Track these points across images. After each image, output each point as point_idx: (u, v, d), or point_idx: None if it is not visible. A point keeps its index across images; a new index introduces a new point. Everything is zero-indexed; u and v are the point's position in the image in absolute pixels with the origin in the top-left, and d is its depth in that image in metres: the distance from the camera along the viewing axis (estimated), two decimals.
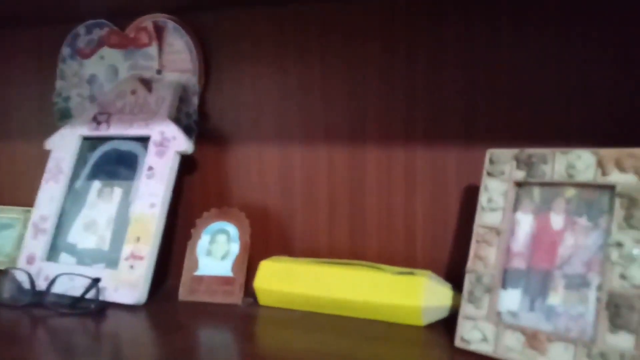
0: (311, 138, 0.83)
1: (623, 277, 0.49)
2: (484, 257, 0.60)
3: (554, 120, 0.71)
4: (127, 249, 0.78)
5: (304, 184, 0.84)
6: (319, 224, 0.83)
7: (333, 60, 0.82)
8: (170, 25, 0.88)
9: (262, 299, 0.76)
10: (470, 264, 0.61)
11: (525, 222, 0.60)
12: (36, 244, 0.85)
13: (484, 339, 0.57)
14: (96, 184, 0.87)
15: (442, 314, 0.68)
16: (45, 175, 0.89)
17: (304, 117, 0.84)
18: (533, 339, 0.54)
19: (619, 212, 0.51)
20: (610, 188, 0.53)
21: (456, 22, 0.75)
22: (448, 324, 0.67)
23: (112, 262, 0.80)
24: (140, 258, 0.77)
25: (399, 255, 0.79)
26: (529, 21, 0.71)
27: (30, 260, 0.84)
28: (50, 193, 0.87)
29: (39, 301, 0.76)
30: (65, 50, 0.96)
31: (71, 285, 0.79)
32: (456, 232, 0.76)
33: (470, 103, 0.75)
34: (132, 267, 0.77)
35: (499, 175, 0.61)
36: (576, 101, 0.70)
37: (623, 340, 0.48)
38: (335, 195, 0.82)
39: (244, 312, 0.74)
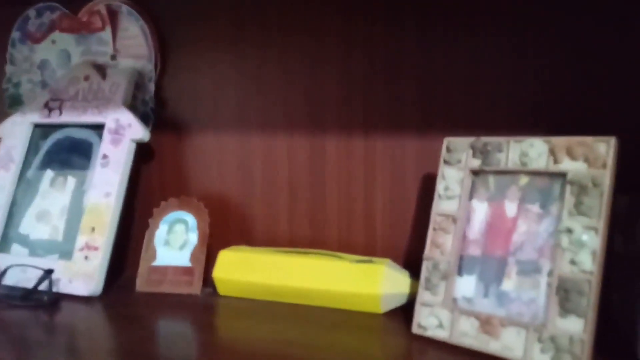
0: (270, 126, 0.83)
1: (573, 262, 0.51)
2: (440, 244, 0.61)
3: (510, 110, 0.72)
4: (81, 240, 0.76)
5: (263, 173, 0.83)
6: (279, 213, 0.83)
7: (292, 47, 0.81)
8: (125, 9, 0.85)
9: (222, 289, 0.76)
10: (427, 251, 0.62)
11: (480, 210, 0.60)
12: None
13: (440, 325, 0.58)
14: (49, 173, 0.84)
15: (401, 301, 0.69)
16: None
17: (263, 104, 0.83)
18: (487, 324, 0.55)
19: (569, 199, 0.52)
20: (562, 176, 0.54)
21: (414, 12, 0.75)
22: (407, 311, 0.68)
23: (66, 253, 0.78)
24: (95, 249, 0.75)
25: (359, 244, 0.80)
26: (485, 13, 0.72)
27: None
28: (0, 182, 0.84)
29: None
30: (15, 34, 0.92)
31: (24, 277, 0.77)
32: (415, 220, 0.77)
33: (429, 92, 0.75)
34: (86, 257, 0.75)
35: (456, 164, 0.62)
36: (531, 91, 0.71)
37: (572, 324, 0.49)
38: (295, 184, 0.82)
39: (202, 303, 0.73)
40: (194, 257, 0.77)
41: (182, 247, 0.78)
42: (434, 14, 0.74)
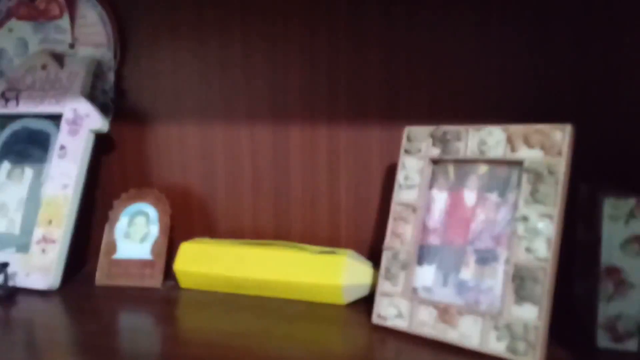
0: (233, 116, 0.81)
1: (528, 250, 0.50)
2: (400, 234, 0.61)
3: (472, 98, 0.71)
4: (38, 233, 0.75)
5: (226, 163, 0.82)
6: (243, 205, 0.82)
7: (254, 36, 0.79)
8: None
9: (183, 282, 0.74)
10: (387, 241, 0.62)
11: (440, 199, 0.60)
12: None
13: (399, 315, 0.58)
14: (5, 165, 0.82)
15: (363, 292, 0.69)
16: None
17: (225, 94, 0.81)
18: (445, 313, 0.54)
19: (525, 187, 0.52)
20: (519, 164, 0.54)
21: (377, 2, 0.74)
22: (370, 302, 0.67)
23: (22, 246, 0.76)
24: (53, 242, 0.74)
25: (323, 235, 0.79)
26: (447, 4, 0.71)
27: None
28: None
29: None
30: None
31: None
32: (379, 211, 0.76)
33: (392, 81, 0.74)
34: (44, 251, 0.74)
35: (416, 153, 0.62)
36: (493, 80, 0.70)
37: (527, 312, 0.49)
38: (258, 175, 0.81)
39: (164, 296, 0.72)
40: (155, 249, 0.76)
41: (143, 239, 0.77)
42: (398, 3, 0.73)
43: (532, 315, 0.49)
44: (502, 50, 0.70)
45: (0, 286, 0.71)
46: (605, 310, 0.52)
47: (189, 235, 0.83)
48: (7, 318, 0.63)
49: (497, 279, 0.53)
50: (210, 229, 0.83)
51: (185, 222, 0.84)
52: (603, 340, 0.52)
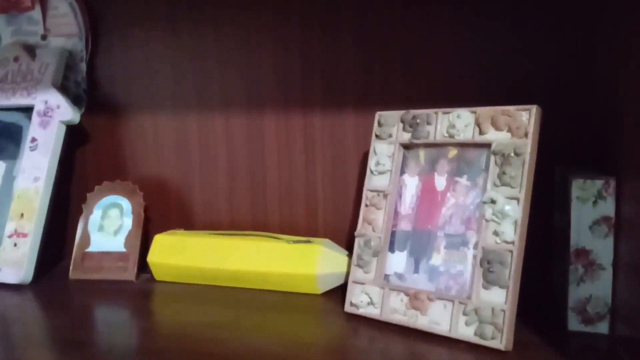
0: (207, 106, 0.80)
1: (496, 233, 0.50)
2: (372, 220, 0.60)
3: (445, 84, 0.70)
4: (10, 227, 0.74)
5: (201, 154, 0.81)
6: (219, 196, 0.81)
7: (227, 25, 0.78)
8: None
9: (158, 274, 0.74)
10: (359, 228, 0.61)
11: (411, 184, 0.59)
12: None
13: (371, 303, 0.57)
14: None
15: (339, 280, 0.68)
16: None
17: (199, 83, 0.80)
18: (415, 299, 0.54)
19: (493, 169, 0.51)
20: (487, 146, 0.53)
21: None
22: (345, 290, 0.66)
23: None
24: (24, 235, 0.73)
25: (301, 225, 0.78)
26: None
27: None
28: None
29: None
30: None
31: None
32: (356, 199, 0.76)
33: (366, 66, 0.73)
34: (15, 245, 0.73)
35: (387, 138, 0.61)
36: (466, 65, 0.69)
37: (495, 295, 0.49)
38: (234, 165, 0.80)
39: (138, 289, 0.71)
40: (128, 242, 0.75)
41: (116, 232, 0.76)
42: None
43: (499, 299, 0.48)
44: (475, 34, 0.69)
45: None
46: (575, 292, 0.51)
47: (165, 228, 0.82)
48: None
49: (466, 264, 0.52)
50: (186, 221, 0.82)
51: (161, 214, 0.83)
52: (574, 324, 0.52)
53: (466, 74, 0.69)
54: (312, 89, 0.76)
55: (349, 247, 0.75)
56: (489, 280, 0.49)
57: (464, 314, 0.50)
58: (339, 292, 0.67)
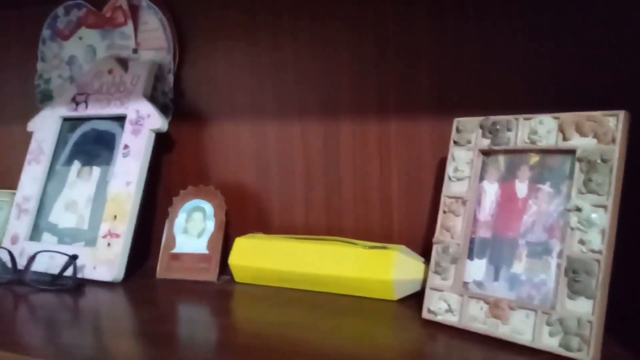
0: (285, 114, 0.83)
1: (582, 242, 0.48)
2: (450, 227, 0.60)
3: (523, 89, 0.69)
4: (104, 227, 0.79)
5: (279, 160, 0.84)
6: (295, 201, 0.83)
7: (305, 34, 0.81)
8: (145, 3, 0.87)
9: (238, 276, 0.76)
10: (437, 234, 0.61)
11: (491, 191, 0.58)
12: (19, 224, 0.86)
13: (449, 310, 0.57)
14: (76, 164, 0.87)
15: (415, 287, 0.68)
16: (28, 157, 0.89)
17: (277, 92, 0.83)
18: (495, 307, 0.53)
19: (578, 176, 0.50)
20: (572, 152, 0.52)
21: None
22: (422, 297, 0.66)
23: (90, 240, 0.81)
24: (117, 236, 0.77)
25: (375, 231, 0.79)
26: None
27: (14, 240, 0.85)
28: (32, 174, 0.88)
29: (19, 278, 0.77)
30: (46, 32, 0.96)
31: (52, 264, 0.79)
32: (432, 205, 0.75)
33: (442, 73, 0.73)
34: (109, 245, 0.78)
35: (466, 144, 0.60)
36: (544, 69, 0.68)
37: (581, 306, 0.47)
38: (310, 171, 0.82)
39: (219, 289, 0.74)
40: (211, 244, 0.78)
41: (200, 234, 0.79)
42: None
43: (586, 309, 0.47)
44: (553, 38, 0.67)
45: (70, 278, 0.75)
46: None
47: (243, 231, 0.85)
48: (76, 307, 0.67)
49: (550, 273, 0.51)
50: (263, 225, 0.85)
51: (239, 217, 0.86)
52: None
53: (543, 79, 0.68)
54: (387, 95, 0.77)
55: (424, 253, 0.74)
56: (575, 290, 0.48)
57: (548, 324, 0.49)
58: (414, 298, 0.67)
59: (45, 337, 0.57)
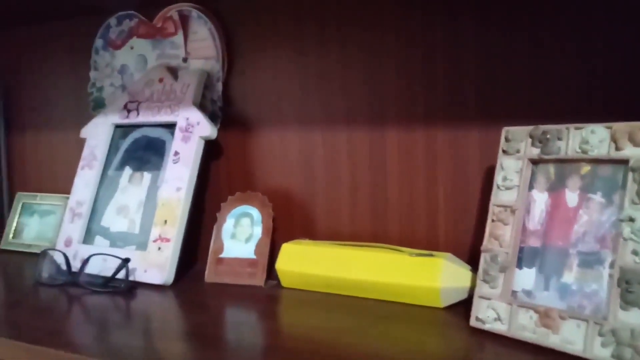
0: (331, 121, 0.84)
1: (635, 252, 0.48)
2: (499, 236, 0.60)
3: (572, 98, 0.69)
4: (155, 232, 0.81)
5: (325, 168, 0.85)
6: (341, 208, 0.84)
7: (351, 42, 0.82)
8: (195, 13, 0.90)
9: (285, 281, 0.78)
10: (485, 243, 0.61)
11: (540, 200, 0.58)
12: (73, 228, 0.89)
13: (498, 318, 0.57)
14: (127, 170, 0.90)
15: (462, 295, 0.68)
16: (81, 163, 0.93)
17: (324, 100, 0.84)
18: (546, 317, 0.53)
19: (631, 186, 0.50)
20: (624, 162, 0.51)
21: (473, 3, 0.74)
22: (469, 305, 0.67)
23: (141, 244, 0.83)
24: (167, 240, 0.80)
25: (421, 238, 0.79)
26: (544, 3, 0.70)
27: (68, 242, 0.89)
28: (85, 179, 0.91)
29: (73, 280, 0.80)
30: (98, 42, 1.00)
31: (104, 267, 0.82)
32: (478, 214, 0.75)
33: (489, 82, 0.73)
34: (159, 249, 0.80)
35: (515, 153, 0.61)
36: (593, 78, 0.67)
37: (635, 317, 0.47)
38: (356, 178, 0.83)
39: (266, 293, 0.75)
40: (258, 249, 0.80)
41: (247, 240, 0.81)
42: (493, 4, 0.73)
43: (639, 320, 0.47)
44: (605, 47, 0.66)
45: (122, 280, 0.78)
46: None
47: (289, 237, 0.87)
48: (128, 309, 0.70)
49: (601, 283, 0.51)
50: (309, 231, 0.86)
51: (285, 223, 0.88)
52: None
53: (592, 89, 0.67)
54: (434, 104, 0.77)
55: (470, 261, 0.75)
56: (628, 301, 0.48)
57: (600, 334, 0.49)
58: (460, 306, 0.67)
59: (98, 337, 0.59)
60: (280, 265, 0.77)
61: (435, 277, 0.67)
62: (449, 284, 0.67)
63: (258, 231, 0.81)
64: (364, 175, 0.82)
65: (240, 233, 0.82)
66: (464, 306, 0.67)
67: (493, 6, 0.73)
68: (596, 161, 0.54)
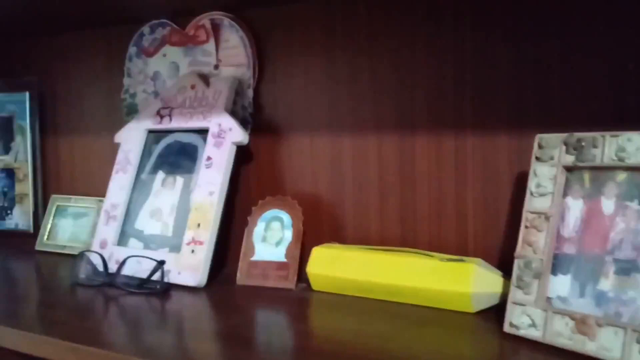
0: (361, 127, 0.85)
1: None
2: (532, 242, 0.60)
3: (605, 105, 0.69)
4: (188, 235, 0.83)
5: (354, 173, 0.86)
6: (370, 212, 0.85)
7: (381, 50, 0.83)
8: (226, 22, 0.92)
9: (315, 284, 0.79)
10: (518, 249, 0.61)
11: (575, 207, 0.59)
12: (108, 230, 0.91)
13: (533, 325, 0.57)
14: (160, 174, 0.92)
15: (493, 300, 0.68)
16: (115, 167, 0.95)
17: (353, 106, 0.85)
18: (582, 324, 0.53)
19: None
20: None
21: (502, 8, 0.74)
22: (500, 310, 0.67)
23: (175, 247, 0.85)
24: (201, 243, 0.81)
25: (450, 243, 0.80)
26: (576, 7, 0.70)
27: (103, 244, 0.91)
28: (119, 183, 0.93)
29: (110, 281, 0.82)
30: (132, 50, 1.02)
31: (139, 268, 0.84)
32: (508, 220, 0.76)
33: (520, 88, 0.74)
34: (193, 251, 0.82)
35: (548, 160, 0.61)
36: (626, 85, 0.67)
37: None
38: (385, 183, 0.84)
39: (297, 296, 0.77)
40: (289, 253, 0.81)
41: (278, 243, 0.83)
42: (524, 9, 0.73)
43: None
44: (637, 52, 0.67)
45: (157, 282, 0.79)
46: None
47: (318, 241, 0.88)
48: (163, 310, 0.72)
49: (639, 291, 0.51)
50: (338, 235, 0.87)
51: (315, 227, 0.89)
52: None
53: (626, 95, 0.67)
54: (464, 110, 0.78)
55: (500, 267, 0.75)
56: None
57: (638, 342, 0.49)
58: (491, 312, 0.68)
59: (135, 336, 0.61)
60: (311, 268, 0.78)
61: (466, 282, 0.67)
62: (480, 289, 0.67)
63: (288, 235, 0.83)
64: (393, 180, 0.83)
65: (270, 236, 0.84)
66: (495, 311, 0.67)
67: (524, 10, 0.73)
68: (633, 169, 0.54)
